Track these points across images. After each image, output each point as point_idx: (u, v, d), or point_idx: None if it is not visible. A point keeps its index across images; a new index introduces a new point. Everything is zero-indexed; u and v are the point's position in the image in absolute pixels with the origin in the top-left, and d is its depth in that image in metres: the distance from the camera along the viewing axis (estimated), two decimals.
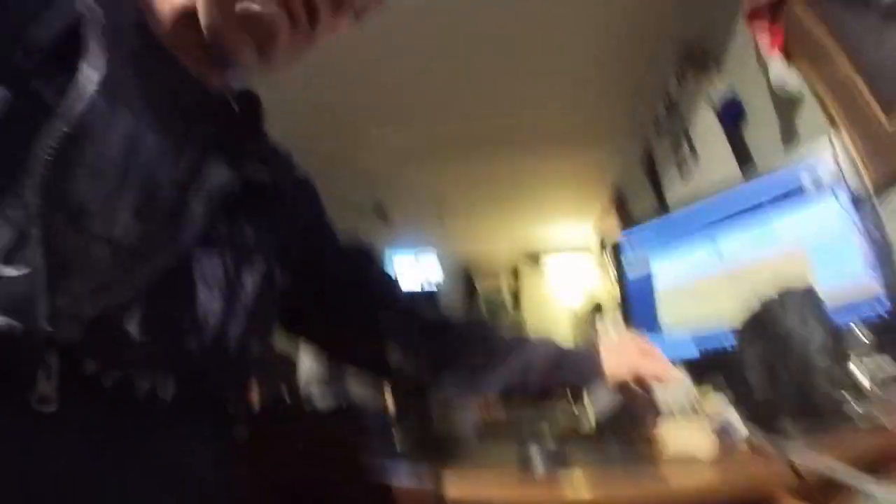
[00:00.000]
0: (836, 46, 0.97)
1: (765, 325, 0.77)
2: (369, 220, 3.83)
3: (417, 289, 4.73)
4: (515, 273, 4.51)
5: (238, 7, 0.41)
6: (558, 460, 0.67)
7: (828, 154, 0.92)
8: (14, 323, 0.28)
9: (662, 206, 2.13)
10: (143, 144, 0.38)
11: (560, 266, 4.13)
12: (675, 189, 2.03)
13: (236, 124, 0.50)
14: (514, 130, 2.76)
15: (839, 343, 0.70)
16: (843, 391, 0.65)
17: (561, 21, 1.91)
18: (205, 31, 0.43)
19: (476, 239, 4.30)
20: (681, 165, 1.93)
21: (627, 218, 2.75)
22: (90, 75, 0.34)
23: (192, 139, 0.43)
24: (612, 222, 3.03)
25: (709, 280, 1.15)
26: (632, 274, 1.46)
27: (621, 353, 0.69)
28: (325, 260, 0.62)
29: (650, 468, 0.67)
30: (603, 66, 2.17)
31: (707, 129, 1.68)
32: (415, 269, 4.90)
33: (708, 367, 0.99)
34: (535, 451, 0.67)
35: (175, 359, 0.38)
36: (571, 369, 0.68)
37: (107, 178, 0.35)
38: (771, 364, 0.73)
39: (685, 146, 1.89)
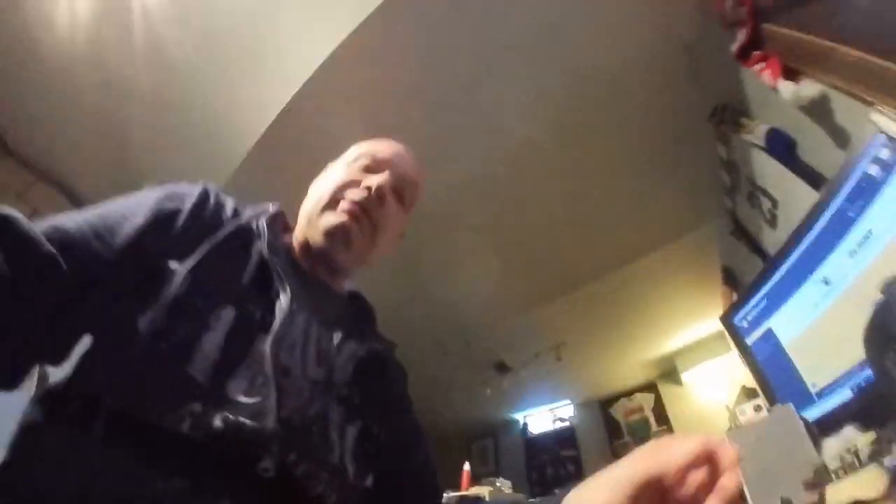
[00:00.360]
0: (828, 42, 0.98)
1: (885, 330, 0.65)
2: (492, 377, 3.86)
3: (555, 432, 4.42)
4: (654, 390, 4.02)
5: (322, 228, 0.66)
6: None
7: (876, 133, 0.86)
8: (254, 424, 0.47)
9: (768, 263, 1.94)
10: (312, 328, 0.60)
11: (698, 369, 3.64)
12: (773, 240, 1.86)
13: (357, 315, 0.73)
14: (606, 255, 2.89)
15: None
16: None
17: (603, 145, 2.16)
18: (314, 250, 0.68)
19: (604, 370, 4.05)
20: (767, 217, 1.81)
21: (744, 290, 2.50)
22: (284, 298, 0.58)
23: (335, 324, 0.65)
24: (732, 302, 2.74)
25: (828, 312, 0.99)
26: (753, 341, 1.31)
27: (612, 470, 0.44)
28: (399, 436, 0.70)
29: None
30: (660, 163, 2.31)
31: (771, 172, 1.61)
32: (549, 416, 4.62)
33: (869, 403, 0.80)
34: None
35: (329, 469, 0.53)
36: None
37: (298, 348, 0.57)
38: None
39: (761, 197, 1.79)
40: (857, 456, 0.61)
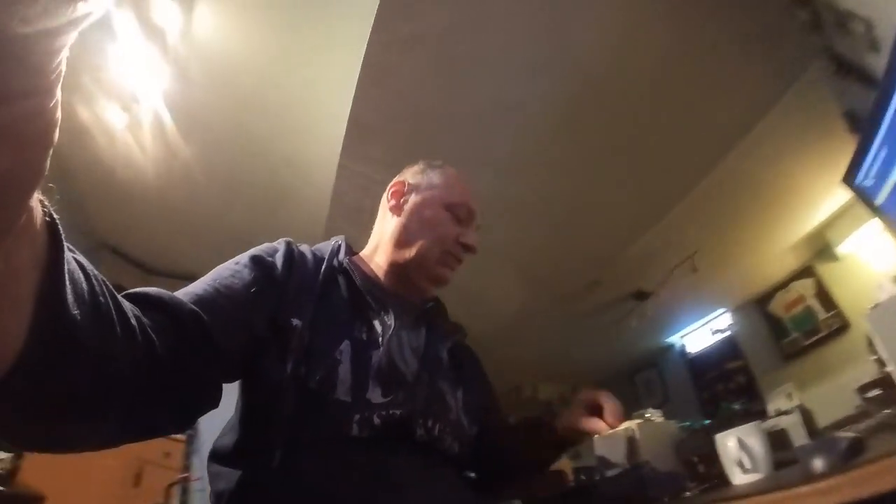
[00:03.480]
0: None
1: None
2: (635, 307, 3.85)
3: (716, 346, 4.19)
4: (811, 274, 3.59)
5: (432, 275, 0.86)
6: None
7: None
8: (402, 412, 0.68)
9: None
10: (402, 333, 0.77)
11: (854, 237, 3.18)
12: (880, 65, 1.61)
13: (431, 311, 0.89)
14: (711, 142, 2.71)
15: None
16: None
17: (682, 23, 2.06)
18: (404, 273, 0.86)
19: (749, 267, 3.74)
20: (865, 41, 1.57)
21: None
22: (387, 319, 0.75)
23: (416, 325, 0.83)
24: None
25: None
26: (884, 200, 1.17)
27: None
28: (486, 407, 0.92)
29: None
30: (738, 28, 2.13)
31: None
32: (705, 331, 4.39)
33: None
34: None
35: (453, 425, 0.75)
36: None
37: (405, 351, 0.75)
38: None
39: (851, 23, 1.57)
40: None
